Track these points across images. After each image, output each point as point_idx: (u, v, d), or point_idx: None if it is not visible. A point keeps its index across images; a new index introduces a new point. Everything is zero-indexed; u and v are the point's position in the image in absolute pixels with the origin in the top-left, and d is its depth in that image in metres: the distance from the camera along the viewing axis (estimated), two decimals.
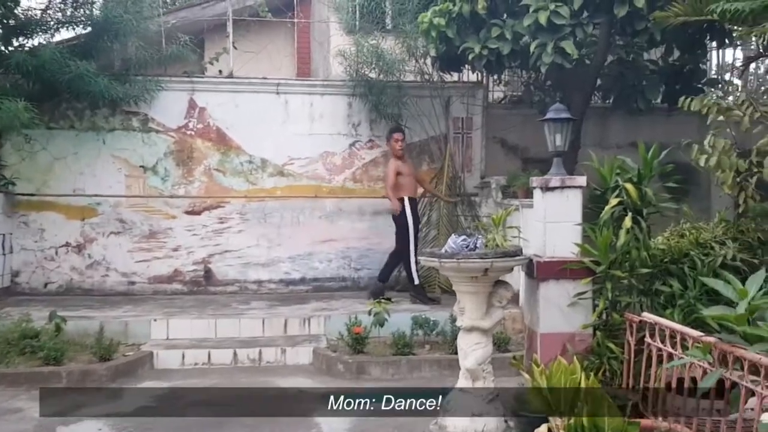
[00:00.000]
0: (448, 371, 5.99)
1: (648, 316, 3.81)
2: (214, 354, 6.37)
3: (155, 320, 6.81)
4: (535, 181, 4.60)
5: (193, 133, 8.63)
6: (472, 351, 4.39)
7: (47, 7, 7.98)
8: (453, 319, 6.36)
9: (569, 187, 4.43)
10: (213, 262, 8.62)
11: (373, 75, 8.34)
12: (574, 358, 3.52)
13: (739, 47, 8.33)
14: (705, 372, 3.28)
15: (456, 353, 6.11)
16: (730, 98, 5.11)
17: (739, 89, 7.46)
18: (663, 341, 3.64)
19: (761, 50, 6.10)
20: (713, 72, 9.61)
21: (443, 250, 4.39)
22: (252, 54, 9.61)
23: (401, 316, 6.76)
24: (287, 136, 8.78)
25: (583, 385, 3.31)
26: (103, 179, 8.43)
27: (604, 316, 4.28)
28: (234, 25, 9.49)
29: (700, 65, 7.85)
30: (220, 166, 8.67)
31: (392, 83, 8.41)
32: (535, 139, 9.18)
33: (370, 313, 6.52)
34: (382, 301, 6.71)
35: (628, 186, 4.20)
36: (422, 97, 8.73)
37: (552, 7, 6.00)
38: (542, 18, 6.01)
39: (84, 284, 8.39)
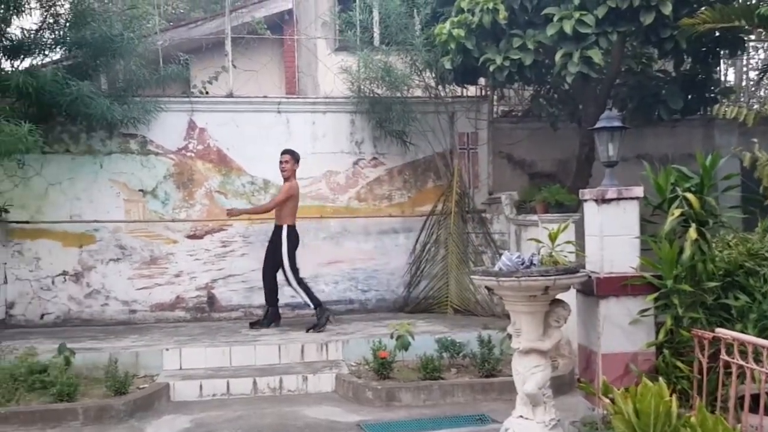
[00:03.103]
0: (482, 395, 5.82)
1: (725, 332, 3.66)
2: (232, 383, 6.06)
3: (167, 350, 6.47)
4: (589, 193, 4.45)
5: (193, 154, 8.34)
6: (532, 375, 4.20)
7: (41, 27, 7.65)
8: (482, 341, 6.25)
9: (626, 198, 4.29)
10: (216, 287, 8.31)
11: (379, 91, 8.17)
12: (660, 380, 3.34)
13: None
14: None
15: (488, 376, 6.01)
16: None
17: None
18: (745, 358, 3.48)
19: None
20: (731, 81, 9.67)
21: (497, 268, 4.21)
22: (249, 73, 9.34)
23: (422, 338, 6.53)
24: None
25: (674, 408, 3.12)
26: (101, 204, 8.09)
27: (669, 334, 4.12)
28: (222, 43, 9.29)
29: (713, 74, 7.83)
30: (221, 188, 8.39)
31: (397, 99, 8.25)
32: (542, 153, 9.19)
33: (392, 336, 6.29)
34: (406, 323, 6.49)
35: (690, 196, 4.07)
36: (426, 113, 8.59)
37: (577, 15, 5.91)
38: (567, 27, 5.92)
39: (83, 314, 8.00)
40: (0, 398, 5.30)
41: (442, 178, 8.71)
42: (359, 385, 5.87)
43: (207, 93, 8.78)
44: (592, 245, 4.41)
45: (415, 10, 8.05)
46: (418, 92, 8.51)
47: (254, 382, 6.08)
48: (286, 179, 7.48)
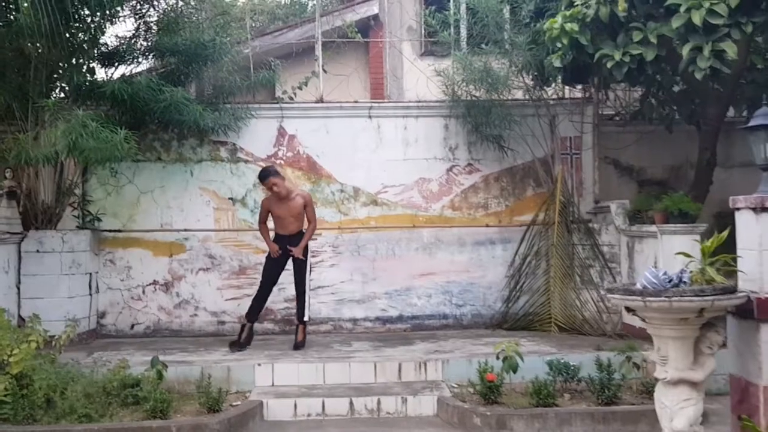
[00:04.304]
0: (603, 426, 5.25)
1: None
2: (328, 403, 5.70)
3: (259, 365, 6.19)
4: (744, 200, 3.86)
5: (282, 162, 8.10)
6: (681, 409, 3.67)
7: (134, 35, 7.61)
8: (600, 364, 5.67)
9: None
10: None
11: (477, 93, 7.72)
12: None
13: None
14: None
15: (608, 404, 5.42)
16: None
17: None
18: None
19: None
20: None
21: (639, 287, 3.69)
22: (336, 80, 9.06)
23: (529, 359, 5.95)
24: (380, 162, 8.21)
25: None
26: (191, 213, 7.96)
27: None
28: (309, 49, 9.07)
29: None
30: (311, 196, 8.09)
31: (495, 102, 7.77)
32: (652, 159, 8.49)
33: (498, 356, 5.78)
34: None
35: None
36: (525, 116, 8.06)
37: (707, 5, 5.29)
38: (696, 18, 5.30)
39: (172, 325, 7.86)
40: (93, 413, 5.12)
41: (542, 185, 8.15)
42: (465, 409, 5.40)
43: (293, 99, 8.54)
44: (749, 261, 3.80)
45: (507, 7, 7.58)
46: (517, 94, 8.00)
47: (350, 403, 5.70)
48: (284, 196, 6.94)
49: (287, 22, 12.37)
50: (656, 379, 3.84)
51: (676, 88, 7.56)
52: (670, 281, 3.62)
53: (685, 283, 3.62)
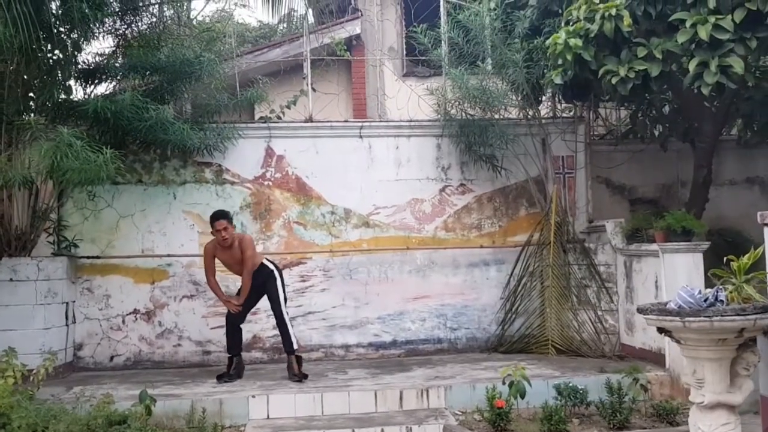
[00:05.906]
0: None
1: None
2: None
3: (253, 396, 5.85)
4: None
5: (270, 183, 7.83)
6: None
7: (114, 52, 7.32)
8: (610, 387, 5.50)
9: None
10: (295, 325, 7.57)
11: (472, 113, 7.58)
12: None
13: None
14: None
15: (620, 429, 5.24)
16: None
17: None
18: None
19: None
20: None
21: (673, 306, 3.51)
22: (321, 102, 8.84)
23: (533, 383, 5.72)
24: (372, 182, 7.98)
25: None
26: (174, 237, 7.59)
27: None
28: (293, 69, 8.88)
29: None
30: (300, 218, 7.84)
31: (488, 121, 7.63)
32: (644, 178, 8.45)
33: (504, 381, 5.56)
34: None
35: None
36: (518, 135, 7.93)
37: (713, 20, 5.23)
38: (702, 33, 5.24)
39: (154, 356, 7.46)
40: None
41: (536, 205, 8.00)
42: None
43: (281, 118, 8.31)
44: None
45: (489, 24, 7.48)
46: (511, 113, 7.88)
47: None
48: (229, 245, 6.55)
49: (257, 45, 12.17)
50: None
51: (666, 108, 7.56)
52: (705, 300, 3.45)
53: (721, 302, 3.45)
